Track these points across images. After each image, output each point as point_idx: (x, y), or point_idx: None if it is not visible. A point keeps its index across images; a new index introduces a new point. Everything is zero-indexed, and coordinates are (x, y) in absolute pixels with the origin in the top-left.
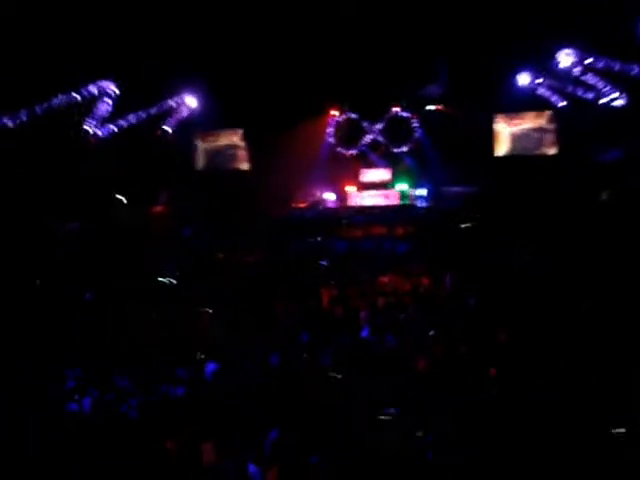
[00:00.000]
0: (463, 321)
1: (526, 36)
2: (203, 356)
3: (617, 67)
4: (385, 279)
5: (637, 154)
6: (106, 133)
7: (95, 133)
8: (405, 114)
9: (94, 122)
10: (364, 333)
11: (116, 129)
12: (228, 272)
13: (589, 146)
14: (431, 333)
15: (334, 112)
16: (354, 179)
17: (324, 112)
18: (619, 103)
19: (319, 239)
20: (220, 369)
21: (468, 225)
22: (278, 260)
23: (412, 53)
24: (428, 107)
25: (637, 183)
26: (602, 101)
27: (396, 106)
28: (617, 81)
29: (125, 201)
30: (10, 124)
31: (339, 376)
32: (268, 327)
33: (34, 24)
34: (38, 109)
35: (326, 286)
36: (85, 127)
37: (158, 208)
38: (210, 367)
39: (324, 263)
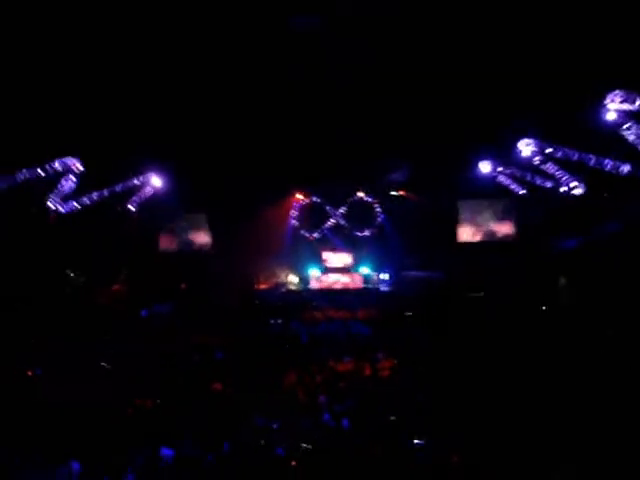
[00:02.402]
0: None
1: (488, 126)
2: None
3: (575, 157)
4: (346, 363)
5: (594, 242)
6: (68, 210)
7: (57, 209)
8: (368, 199)
9: (57, 198)
10: (325, 417)
11: (79, 206)
12: (186, 354)
13: (547, 233)
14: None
15: (298, 195)
16: (317, 262)
17: (288, 195)
18: (577, 192)
19: (279, 322)
20: (175, 455)
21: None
22: (239, 343)
23: (376, 140)
24: (391, 192)
25: (593, 269)
26: (561, 190)
27: (359, 191)
28: (575, 171)
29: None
30: None
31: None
32: (225, 411)
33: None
34: (1, 183)
35: (287, 369)
36: (48, 203)
37: (117, 287)
38: (165, 452)
39: (284, 344)
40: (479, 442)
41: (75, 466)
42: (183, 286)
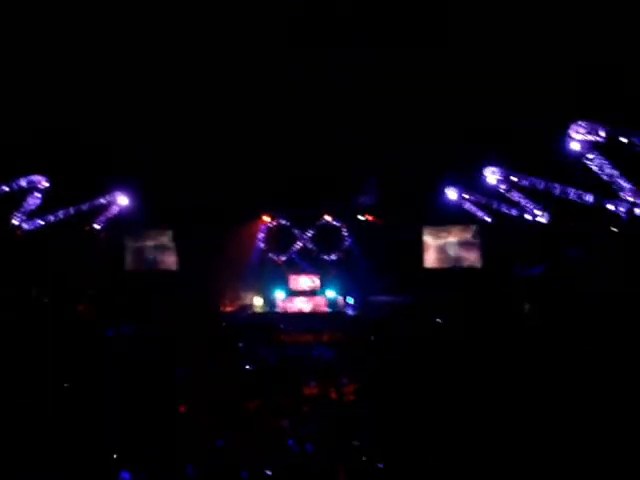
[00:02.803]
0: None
1: (454, 154)
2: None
3: (541, 185)
4: (311, 387)
5: (558, 270)
6: (33, 227)
7: (22, 226)
8: (335, 223)
9: (22, 215)
10: (289, 442)
11: (43, 223)
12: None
13: (512, 260)
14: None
15: (266, 218)
16: (283, 285)
17: (256, 218)
18: (542, 220)
19: (241, 345)
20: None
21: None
22: (204, 364)
23: (343, 165)
24: (358, 217)
25: (557, 298)
26: (526, 217)
27: (327, 214)
28: (540, 199)
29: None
30: None
31: None
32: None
33: None
34: None
35: (252, 392)
36: (13, 220)
37: (82, 307)
38: (124, 476)
39: (248, 367)
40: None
41: None
42: (148, 306)
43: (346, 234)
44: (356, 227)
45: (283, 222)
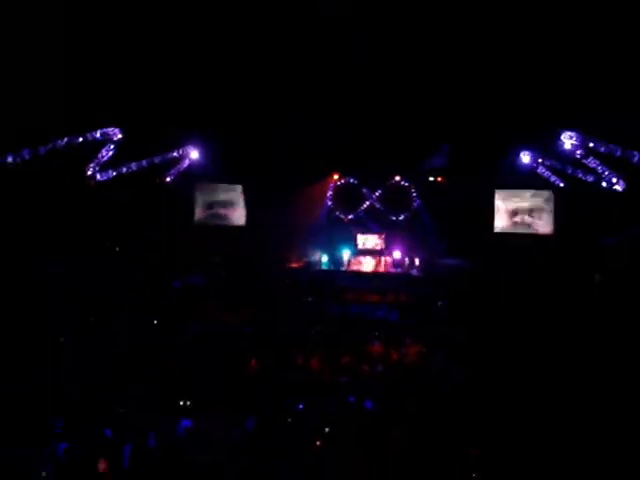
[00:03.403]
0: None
1: (529, 117)
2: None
3: (618, 153)
4: (373, 346)
5: (633, 240)
6: (106, 178)
7: (96, 177)
8: (405, 183)
9: (96, 166)
10: (350, 399)
11: (116, 174)
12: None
13: (586, 229)
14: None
15: (335, 176)
16: (350, 243)
17: (325, 176)
18: (618, 188)
19: (310, 300)
20: (194, 427)
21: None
22: (268, 319)
23: (415, 125)
24: (429, 178)
25: (632, 268)
26: (602, 185)
27: (396, 174)
28: (617, 167)
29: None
30: (12, 162)
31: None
32: (249, 387)
33: (46, 66)
34: (42, 149)
35: (314, 348)
36: (87, 171)
37: (152, 257)
38: (184, 423)
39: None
40: (500, 435)
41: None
42: (216, 259)
43: (415, 195)
44: (425, 188)
45: (352, 180)
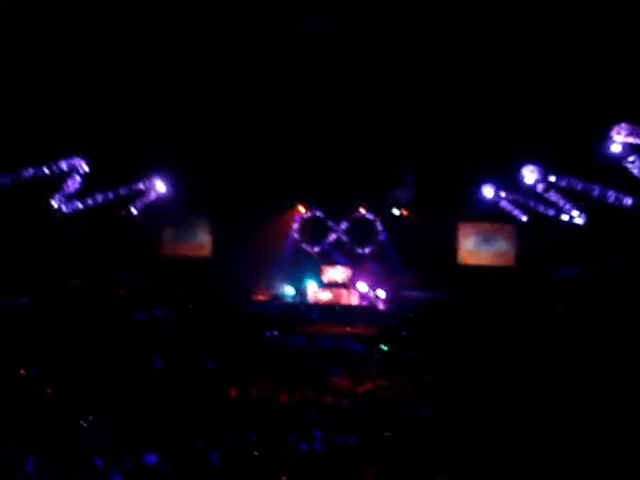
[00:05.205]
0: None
1: (493, 150)
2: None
3: (579, 187)
4: (338, 379)
5: (593, 272)
6: (71, 210)
7: (61, 209)
8: (370, 216)
9: (61, 198)
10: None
11: (82, 206)
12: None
13: (547, 261)
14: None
15: (300, 208)
16: (315, 276)
17: (291, 208)
18: (579, 222)
19: (275, 333)
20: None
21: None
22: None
23: (381, 159)
24: (393, 211)
25: (591, 300)
26: (562, 218)
27: (361, 207)
28: (578, 200)
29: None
30: None
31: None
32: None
33: (11, 96)
34: (6, 179)
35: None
36: (52, 202)
37: (117, 290)
38: (150, 459)
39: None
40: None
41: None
42: (181, 293)
43: (380, 228)
44: (391, 221)
45: (318, 213)
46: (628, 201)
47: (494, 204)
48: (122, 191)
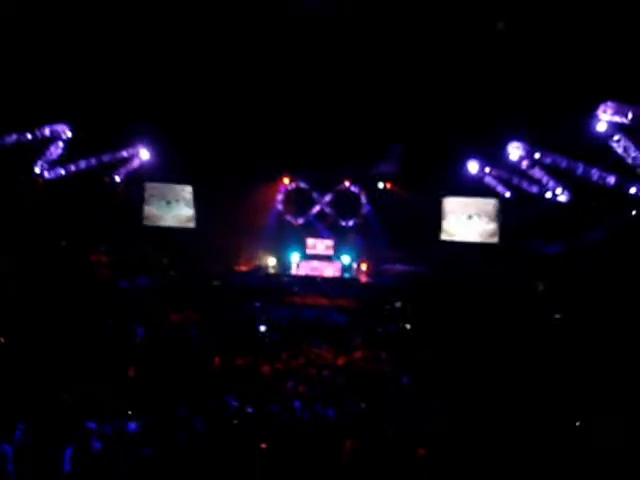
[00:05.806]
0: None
1: (478, 126)
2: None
3: (563, 164)
4: (322, 350)
5: (576, 249)
6: (54, 176)
7: (43, 175)
8: (355, 189)
9: (44, 164)
10: (296, 404)
11: (64, 173)
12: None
13: (529, 237)
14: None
15: (285, 180)
16: (299, 247)
17: (275, 179)
18: (562, 199)
19: (257, 304)
20: (141, 430)
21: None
22: (213, 322)
23: (367, 132)
24: (378, 184)
25: (573, 277)
26: (546, 195)
27: (346, 180)
28: (562, 177)
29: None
30: None
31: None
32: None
33: None
34: None
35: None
36: (35, 168)
37: (98, 257)
38: (131, 426)
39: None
40: (448, 434)
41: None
42: (165, 260)
43: (364, 201)
44: (375, 195)
45: (302, 185)
46: (611, 179)
47: (479, 180)
48: (105, 158)
